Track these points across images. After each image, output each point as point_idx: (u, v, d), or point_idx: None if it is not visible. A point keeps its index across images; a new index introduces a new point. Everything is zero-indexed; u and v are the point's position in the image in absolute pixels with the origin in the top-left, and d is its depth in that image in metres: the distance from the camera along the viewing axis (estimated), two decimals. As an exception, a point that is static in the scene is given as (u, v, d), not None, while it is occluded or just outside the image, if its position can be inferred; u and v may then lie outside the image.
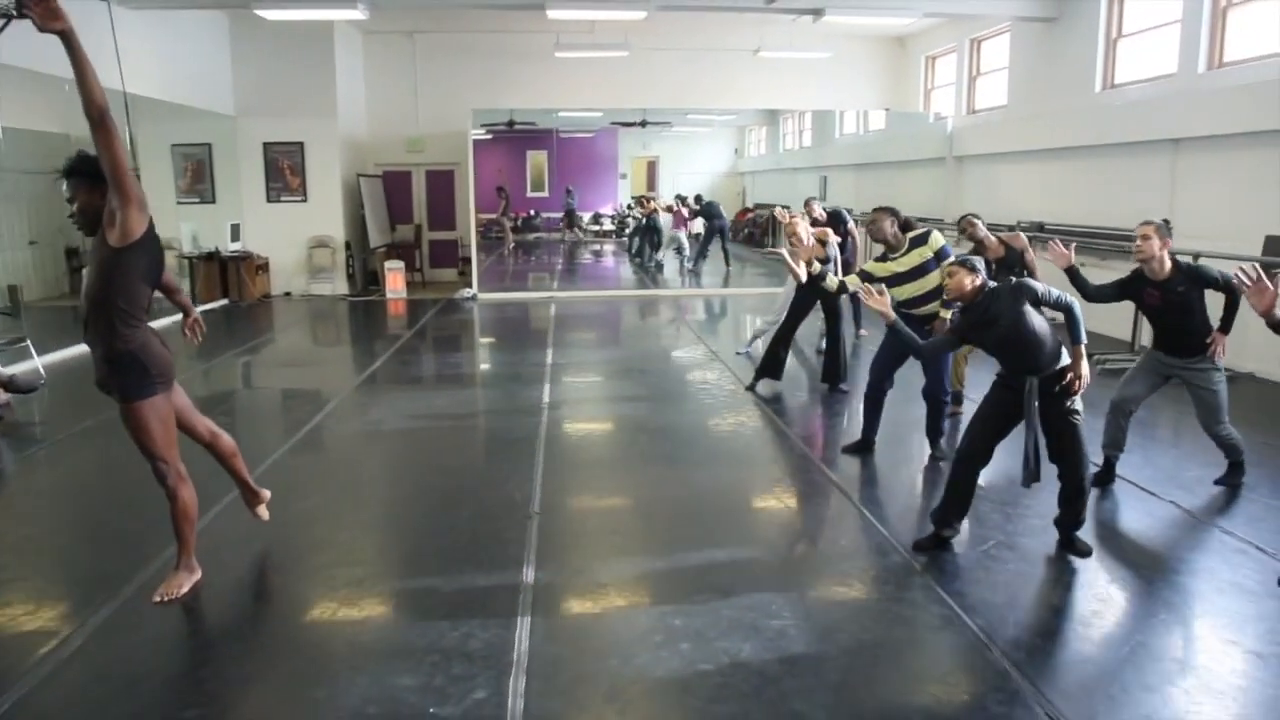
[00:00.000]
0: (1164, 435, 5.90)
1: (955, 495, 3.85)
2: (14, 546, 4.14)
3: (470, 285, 12.74)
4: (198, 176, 12.88)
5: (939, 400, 5.07)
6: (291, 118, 12.37)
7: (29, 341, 7.25)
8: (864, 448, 5.29)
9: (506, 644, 3.09)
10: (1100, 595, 3.58)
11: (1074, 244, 4.59)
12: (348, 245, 12.94)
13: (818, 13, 9.80)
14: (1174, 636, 3.26)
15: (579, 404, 6.77)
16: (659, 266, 16.07)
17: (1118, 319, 7.84)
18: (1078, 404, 3.69)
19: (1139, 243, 4.24)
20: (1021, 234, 6.03)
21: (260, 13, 9.80)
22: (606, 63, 13.36)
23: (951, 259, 4.81)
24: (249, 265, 12.25)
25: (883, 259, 5.09)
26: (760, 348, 7.74)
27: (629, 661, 2.99)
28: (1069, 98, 9.96)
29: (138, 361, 3.22)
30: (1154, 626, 3.30)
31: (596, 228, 20.55)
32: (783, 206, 10.24)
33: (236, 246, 12.35)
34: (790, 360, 7.14)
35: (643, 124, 16.94)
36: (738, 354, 8.22)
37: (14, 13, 3.61)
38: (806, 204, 8.56)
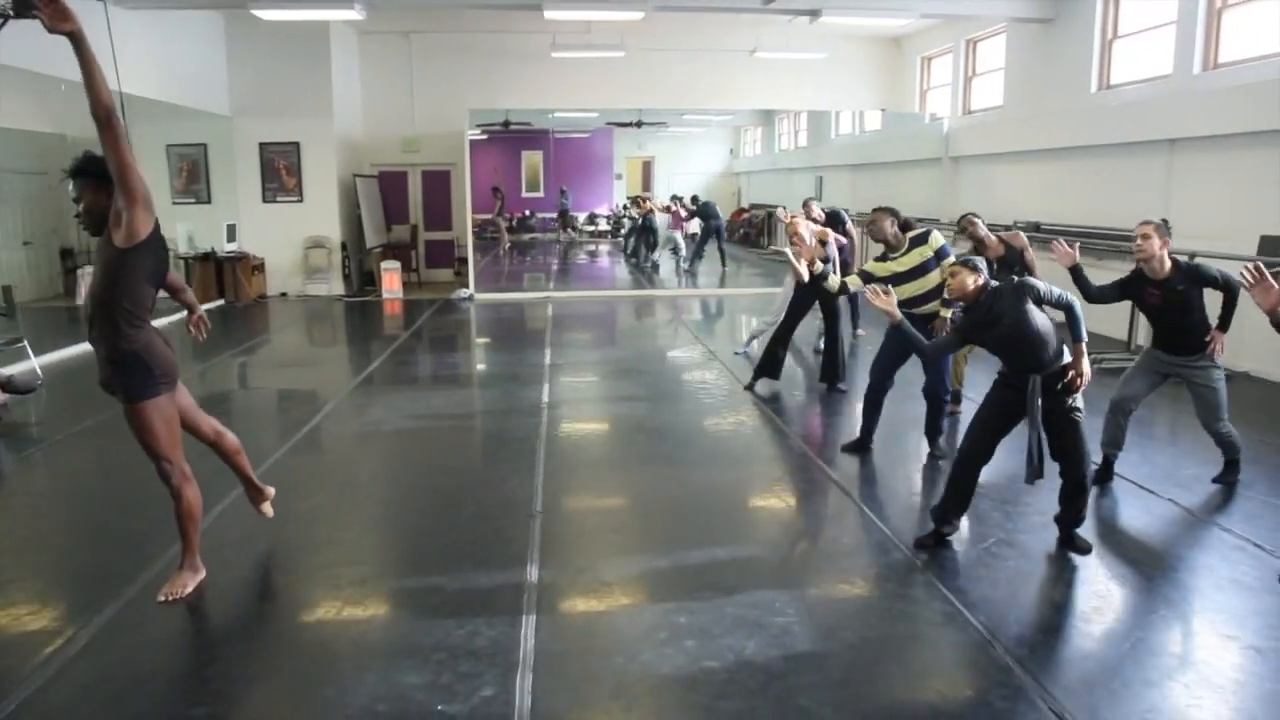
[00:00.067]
0: (1161, 433, 5.93)
1: (956, 493, 3.87)
2: (16, 547, 4.13)
3: (467, 285, 12.74)
4: (193, 177, 12.87)
5: (939, 399, 5.10)
6: (287, 118, 12.36)
7: (26, 342, 7.23)
8: (862, 447, 5.31)
9: (512, 642, 3.10)
10: (1100, 592, 3.61)
11: (1077, 243, 4.61)
12: (344, 246, 12.93)
13: (815, 13, 9.83)
14: (1174, 632, 3.29)
15: (578, 404, 6.78)
16: (655, 267, 16.08)
17: (1115, 318, 7.87)
18: (1078, 401, 3.72)
19: (1139, 242, 4.27)
20: (1021, 233, 6.06)
21: (257, 13, 9.79)
22: (603, 63, 13.38)
23: (951, 258, 4.84)
24: (245, 266, 12.24)
25: (883, 259, 5.11)
26: (757, 348, 7.77)
27: (635, 659, 3.01)
28: (1065, 98, 10.00)
29: (142, 362, 3.22)
30: (1154, 622, 3.33)
31: (592, 228, 20.56)
32: (784, 207, 10.27)
33: (232, 247, 12.33)
34: (788, 360, 7.16)
35: (638, 124, 16.95)
36: (736, 354, 8.24)
37: (11, 13, 3.61)
38: (805, 204, 8.58)
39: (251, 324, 10.72)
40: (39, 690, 2.82)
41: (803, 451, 5.49)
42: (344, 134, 12.97)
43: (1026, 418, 3.70)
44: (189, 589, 3.45)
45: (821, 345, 7.32)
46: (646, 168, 20.28)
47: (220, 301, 11.98)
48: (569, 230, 19.88)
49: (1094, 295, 4.49)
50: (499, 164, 18.86)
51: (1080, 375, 3.64)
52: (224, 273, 12.16)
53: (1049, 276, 4.35)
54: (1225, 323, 4.33)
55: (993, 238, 5.78)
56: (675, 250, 15.90)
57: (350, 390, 7.14)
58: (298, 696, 2.84)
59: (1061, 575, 3.73)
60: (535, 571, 3.69)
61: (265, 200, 12.67)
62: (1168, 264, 4.29)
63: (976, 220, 5.81)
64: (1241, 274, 3.17)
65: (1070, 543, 3.87)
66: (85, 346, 8.41)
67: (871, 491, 4.87)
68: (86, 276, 11.67)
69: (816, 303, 6.77)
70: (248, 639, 3.26)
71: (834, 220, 8.24)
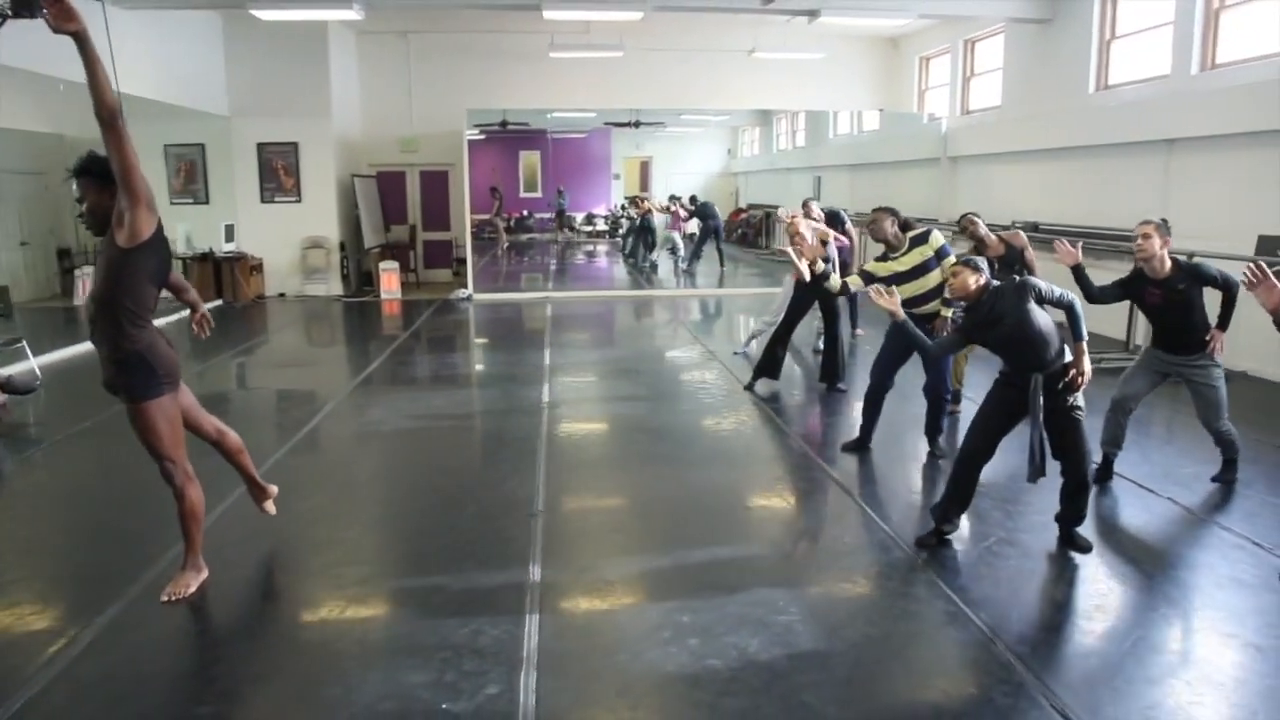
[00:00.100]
0: (1159, 432, 5.95)
1: (957, 491, 3.88)
2: (18, 547, 4.14)
3: (465, 286, 12.74)
4: (191, 177, 12.87)
5: (940, 398, 5.11)
6: (285, 118, 12.35)
7: (25, 342, 7.22)
8: (861, 446, 5.32)
9: (516, 640, 3.11)
10: (1101, 590, 3.63)
11: (1080, 242, 4.62)
12: (342, 246, 12.92)
13: (813, 13, 9.84)
14: (1174, 630, 3.31)
15: (578, 404, 6.78)
16: (653, 267, 16.09)
17: (1113, 318, 7.90)
18: (1079, 400, 3.73)
19: (1140, 241, 4.28)
20: (1021, 232, 6.08)
21: (255, 13, 9.79)
22: (601, 63, 13.39)
23: (951, 258, 4.86)
24: (243, 266, 12.23)
25: (883, 258, 5.13)
26: (756, 348, 7.78)
27: (639, 657, 3.01)
28: (1063, 99, 10.03)
29: (145, 362, 3.23)
30: (1154, 620, 3.35)
31: (590, 228, 20.56)
32: (785, 207, 10.27)
33: (231, 247, 12.33)
34: (787, 360, 7.17)
35: (635, 125, 16.96)
36: (735, 354, 8.25)
37: (8, 12, 3.61)
38: (805, 205, 8.59)
39: (250, 324, 10.71)
40: (43, 690, 2.83)
41: (803, 451, 5.50)
42: (342, 134, 12.97)
43: (1028, 417, 3.72)
44: (192, 589, 3.45)
45: (821, 345, 7.34)
46: (644, 168, 20.28)
47: (218, 302, 11.97)
48: (566, 230, 19.88)
49: (1095, 295, 4.50)
50: (496, 164, 18.86)
51: (1081, 374, 3.65)
52: (222, 273, 12.15)
53: (1049, 276, 4.37)
54: (1224, 322, 4.35)
55: (993, 237, 5.80)
56: (673, 250, 15.91)
57: (350, 390, 7.14)
58: (302, 695, 2.84)
59: (1062, 574, 3.74)
60: (537, 571, 3.70)
61: (263, 200, 12.66)
62: (1168, 263, 4.31)
63: (977, 219, 5.83)
64: (1244, 274, 3.18)
65: (1071, 541, 3.88)
66: (84, 347, 8.42)
67: (872, 491, 4.88)
68: (84, 277, 11.68)
69: (816, 303, 6.78)
70: (251, 638, 3.26)
71: (833, 220, 8.24)
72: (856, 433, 5.41)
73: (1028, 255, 5.65)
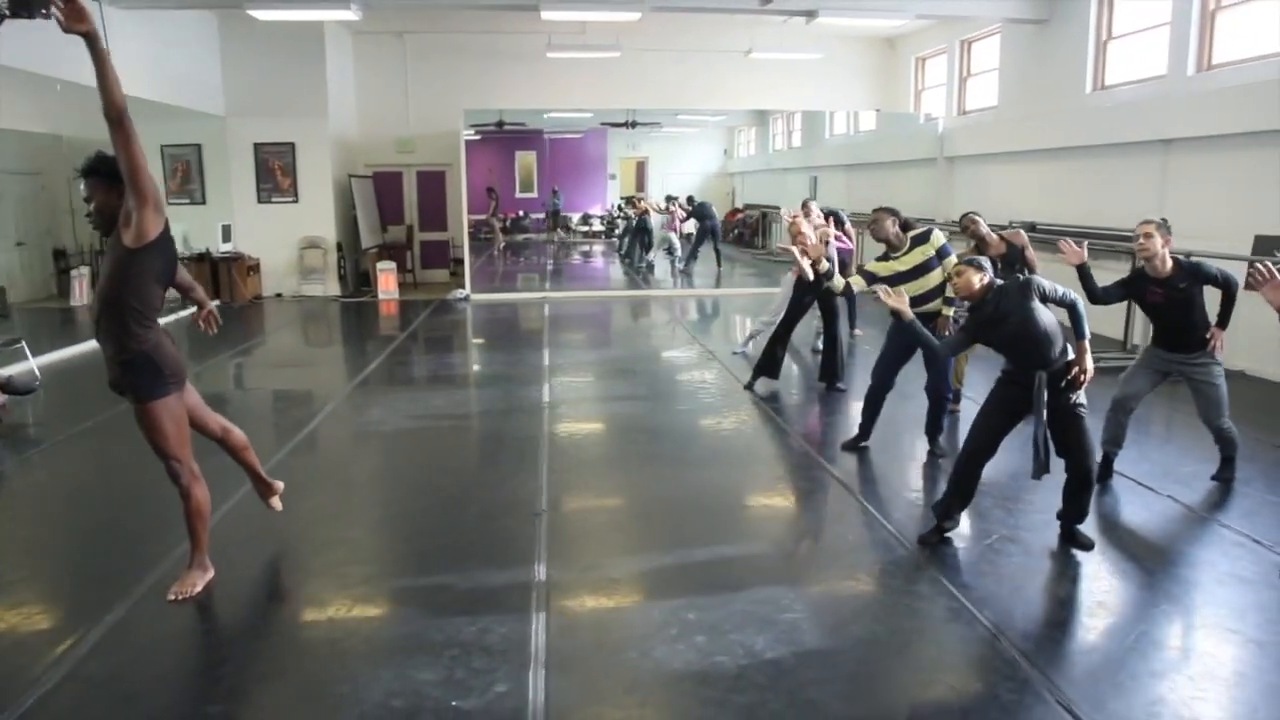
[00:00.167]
0: (1157, 431, 5.98)
1: (959, 489, 3.90)
2: (23, 548, 4.14)
3: (463, 286, 12.74)
4: (187, 177, 12.83)
5: (942, 397, 5.13)
6: (282, 118, 12.33)
7: (24, 343, 7.20)
8: (858, 445, 5.34)
9: (524, 638, 3.12)
10: (1103, 587, 3.66)
11: (1085, 242, 4.65)
12: (339, 246, 12.91)
13: (811, 14, 9.87)
14: (1176, 626, 3.34)
15: (579, 403, 6.79)
16: (650, 267, 16.11)
17: (1111, 317, 7.93)
18: (1081, 397, 3.76)
19: (1141, 241, 4.31)
20: (1021, 231, 6.10)
21: (252, 13, 9.77)
22: (598, 63, 13.41)
23: (952, 257, 4.89)
24: (240, 266, 12.21)
25: (884, 258, 5.15)
26: (754, 348, 7.80)
27: (647, 655, 3.03)
28: (1060, 99, 10.07)
29: (151, 362, 3.23)
30: (1156, 617, 3.37)
31: (585, 228, 20.57)
32: (786, 208, 10.28)
33: (227, 248, 12.31)
34: (786, 360, 7.19)
35: (631, 125, 16.97)
36: (734, 354, 8.26)
37: (6, 12, 3.61)
38: (804, 205, 8.61)
39: (248, 325, 10.69)
40: (52, 690, 2.83)
41: (804, 450, 5.52)
42: (339, 134, 12.96)
43: (1031, 414, 3.74)
44: (198, 588, 3.45)
45: (820, 345, 7.36)
46: (640, 168, 20.30)
47: (216, 302, 11.84)
48: (560, 231, 19.88)
49: (1099, 296, 4.53)
50: (493, 165, 18.86)
51: (1084, 372, 3.68)
52: (219, 274, 12.13)
53: (1049, 275, 4.39)
54: (1224, 320, 4.38)
55: (994, 236, 5.82)
56: (670, 250, 15.93)
57: (349, 391, 7.14)
58: (312, 694, 2.85)
59: (1065, 571, 3.77)
60: (543, 569, 3.71)
61: (260, 201, 12.64)
62: (1169, 262, 4.34)
63: (978, 219, 5.85)
64: (1252, 273, 3.22)
65: (1073, 539, 3.90)
66: (82, 347, 8.42)
67: (873, 489, 4.90)
68: (80, 277, 11.65)
69: (815, 302, 6.81)
70: (258, 637, 3.26)
71: (833, 220, 8.26)
72: (855, 431, 5.43)
73: (1028, 254, 5.67)
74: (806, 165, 17.39)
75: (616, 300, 13.03)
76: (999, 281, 3.81)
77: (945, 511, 3.95)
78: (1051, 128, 10.13)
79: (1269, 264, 3.12)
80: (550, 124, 18.14)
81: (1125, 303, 5.56)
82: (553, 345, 9.07)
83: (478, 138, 16.87)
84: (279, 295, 12.78)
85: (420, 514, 4.48)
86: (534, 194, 19.87)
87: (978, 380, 5.99)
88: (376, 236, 13.70)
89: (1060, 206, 9.96)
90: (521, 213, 20.03)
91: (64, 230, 12.33)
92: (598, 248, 19.97)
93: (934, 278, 5.01)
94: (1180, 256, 4.49)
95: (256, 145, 12.48)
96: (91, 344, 8.31)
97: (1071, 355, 3.72)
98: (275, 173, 12.63)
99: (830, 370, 6.86)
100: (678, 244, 15.89)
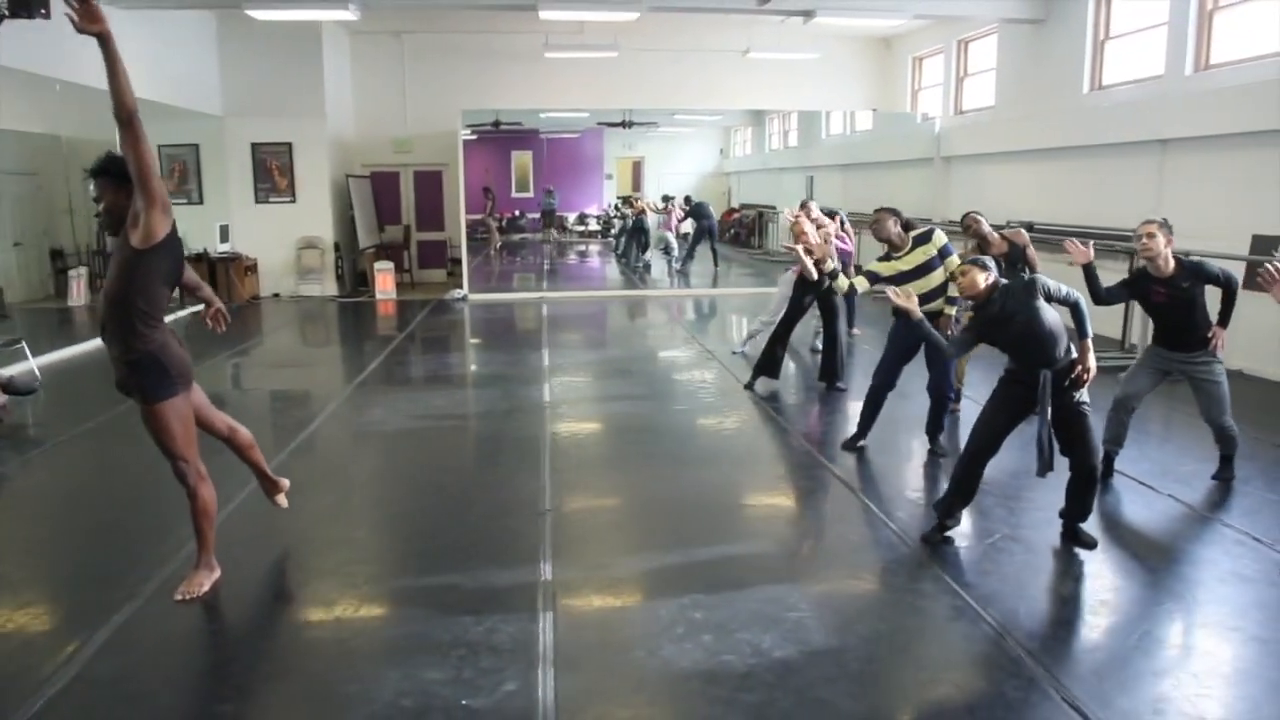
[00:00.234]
0: (1156, 430, 6.00)
1: (961, 487, 3.92)
2: (28, 548, 4.14)
3: (460, 286, 12.74)
4: (185, 177, 12.81)
5: (944, 396, 5.15)
6: (280, 118, 12.32)
7: (24, 343, 7.19)
8: (857, 444, 5.35)
9: (531, 637, 3.13)
10: (1106, 585, 3.68)
11: (1091, 242, 4.66)
12: (336, 246, 12.90)
13: (809, 14, 9.89)
14: (1179, 624, 3.36)
15: (579, 403, 6.80)
16: (647, 267, 16.12)
17: (1110, 317, 7.96)
18: (1084, 395, 3.78)
19: (1144, 240, 4.33)
20: (1023, 230, 6.12)
21: (250, 12, 9.76)
22: (595, 63, 13.41)
23: (954, 256, 4.91)
24: (237, 266, 12.20)
25: (886, 258, 5.16)
26: (753, 347, 7.81)
27: (654, 653, 3.04)
28: (1057, 99, 10.09)
29: (158, 362, 3.23)
30: (1160, 615, 3.40)
31: (581, 228, 20.57)
32: (787, 208, 10.31)
33: (225, 248, 12.29)
34: (786, 359, 7.20)
35: (626, 125, 16.97)
36: (733, 353, 8.28)
37: (5, 12, 3.62)
38: (803, 206, 8.63)
39: (246, 325, 10.67)
40: (61, 690, 2.83)
41: (805, 449, 5.53)
42: (336, 134, 12.95)
43: (1035, 413, 3.76)
44: (205, 587, 3.46)
45: (819, 344, 7.37)
46: (636, 168, 20.29)
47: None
48: (555, 231, 19.87)
49: (1103, 296, 4.55)
50: (489, 164, 18.84)
51: (1087, 370, 3.70)
52: (217, 274, 12.08)
53: (1050, 275, 4.41)
54: (1225, 319, 4.40)
55: (996, 235, 5.84)
56: (667, 250, 15.93)
57: (349, 391, 7.14)
58: (321, 693, 2.85)
59: (1068, 569, 3.79)
60: (549, 568, 3.72)
61: (258, 201, 12.63)
62: (1172, 262, 4.36)
63: (979, 218, 5.87)
64: (1260, 274, 3.24)
65: (1075, 538, 3.92)
66: (82, 348, 8.41)
67: (875, 488, 4.91)
68: (78, 278, 11.62)
69: (815, 302, 6.82)
70: (266, 637, 3.27)
71: (837, 220, 8.28)
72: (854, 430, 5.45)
73: (1030, 253, 5.69)
74: (803, 165, 17.41)
75: (614, 300, 13.04)
76: (1004, 281, 3.83)
77: (947, 510, 3.97)
78: (1049, 128, 10.16)
79: (1277, 265, 3.14)
80: (547, 124, 18.13)
81: (1125, 303, 5.59)
82: (551, 345, 9.08)
83: (474, 137, 16.86)
84: (276, 295, 12.77)
85: (423, 514, 4.49)
86: (530, 194, 19.86)
87: (978, 380, 6.02)
88: (374, 236, 13.69)
89: (1057, 206, 9.98)
90: (518, 212, 20.02)
91: (62, 230, 12.28)
92: (594, 247, 19.97)
93: (936, 277, 5.03)
94: (1181, 256, 4.51)
95: (254, 145, 12.47)
96: (91, 344, 8.32)
97: (1075, 354, 3.74)
98: (273, 173, 12.62)
99: (830, 370, 6.88)
100: (674, 244, 15.90)
